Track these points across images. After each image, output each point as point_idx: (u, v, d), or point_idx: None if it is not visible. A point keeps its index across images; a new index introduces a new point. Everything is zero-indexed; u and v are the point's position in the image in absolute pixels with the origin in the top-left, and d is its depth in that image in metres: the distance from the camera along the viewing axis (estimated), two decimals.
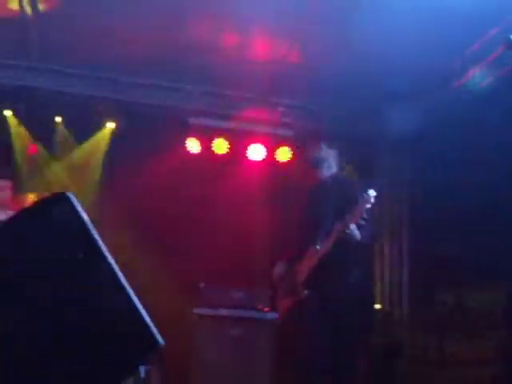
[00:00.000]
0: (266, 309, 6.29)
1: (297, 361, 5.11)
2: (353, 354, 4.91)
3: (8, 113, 7.21)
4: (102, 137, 7.40)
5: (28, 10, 5.86)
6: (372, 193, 4.62)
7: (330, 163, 5.04)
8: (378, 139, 7.81)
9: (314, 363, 4.76)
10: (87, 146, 7.45)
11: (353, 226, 4.63)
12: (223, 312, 6.37)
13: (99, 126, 7.35)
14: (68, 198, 1.93)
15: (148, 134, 7.05)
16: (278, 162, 7.72)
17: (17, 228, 1.99)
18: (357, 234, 4.68)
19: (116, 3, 5.56)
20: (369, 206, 4.62)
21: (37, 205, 1.98)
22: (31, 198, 5.83)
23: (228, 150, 7.68)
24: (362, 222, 4.66)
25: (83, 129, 7.26)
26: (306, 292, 4.83)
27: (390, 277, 7.93)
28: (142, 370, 3.84)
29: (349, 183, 5.14)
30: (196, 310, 6.39)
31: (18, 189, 6.18)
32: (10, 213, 5.23)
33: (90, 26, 5.96)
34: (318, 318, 4.79)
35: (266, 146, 7.69)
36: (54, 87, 7.14)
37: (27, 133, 7.17)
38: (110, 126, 7.42)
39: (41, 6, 5.84)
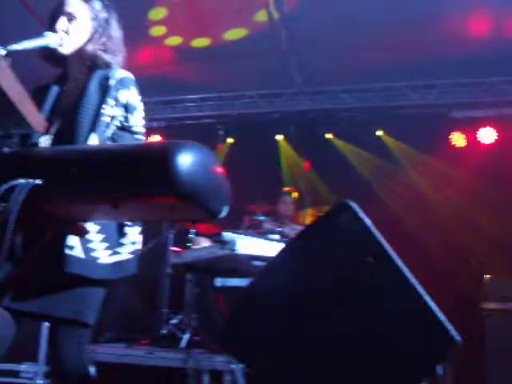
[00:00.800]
0: None
1: None
2: None
3: (279, 137, 7.90)
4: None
5: (275, 15, 5.99)
6: None
7: None
8: None
9: None
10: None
11: None
12: None
13: (370, 135, 7.53)
14: (350, 206, 2.00)
15: (413, 133, 7.02)
16: None
17: (309, 239, 2.10)
18: None
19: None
20: None
21: (323, 216, 2.08)
22: (311, 212, 6.12)
23: (496, 139, 7.22)
24: None
25: (356, 141, 7.52)
26: None
27: None
28: (439, 368, 3.76)
29: None
30: (483, 304, 6.04)
31: (300, 204, 6.55)
32: (296, 226, 5.56)
33: (343, 40, 6.08)
34: None
35: None
36: (320, 107, 7.54)
37: (299, 152, 7.66)
38: (379, 133, 7.60)
39: (286, 8, 5.91)
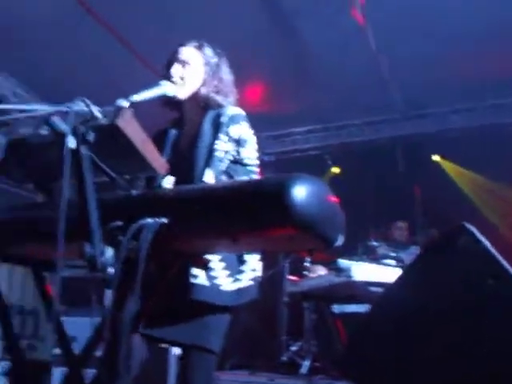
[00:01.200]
0: None
1: None
2: None
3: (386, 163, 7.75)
4: None
5: None
6: None
7: None
8: None
9: None
10: None
11: None
12: None
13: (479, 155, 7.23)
14: (468, 229, 1.92)
15: None
16: None
17: (426, 263, 2.04)
18: None
19: None
20: None
21: (440, 239, 2.02)
22: (429, 234, 5.88)
23: None
24: None
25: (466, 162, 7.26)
26: None
27: None
28: None
29: None
30: None
31: (414, 228, 6.36)
32: (412, 250, 5.40)
33: (443, 56, 5.88)
34: None
35: None
36: (426, 130, 7.37)
37: (408, 177, 7.48)
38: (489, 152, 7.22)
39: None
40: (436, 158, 7.55)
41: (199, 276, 2.07)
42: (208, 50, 2.43)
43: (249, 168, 2.30)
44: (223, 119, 2.29)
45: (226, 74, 2.44)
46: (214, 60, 2.42)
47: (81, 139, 1.53)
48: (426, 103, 7.09)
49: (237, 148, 2.28)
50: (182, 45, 2.42)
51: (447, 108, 7.20)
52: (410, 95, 6.85)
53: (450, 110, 7.21)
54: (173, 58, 2.39)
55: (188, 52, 2.40)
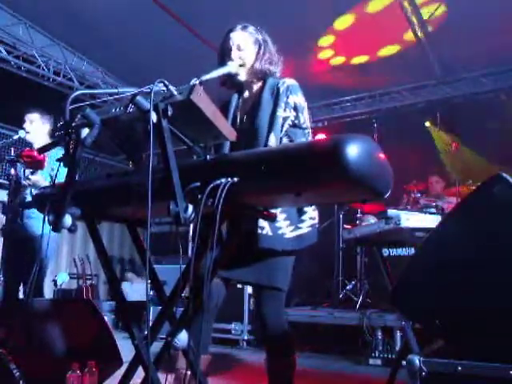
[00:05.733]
0: None
1: None
2: None
3: (427, 123, 7.53)
4: None
5: (420, 34, 5.93)
6: None
7: None
8: None
9: None
10: None
11: None
12: None
13: None
14: (503, 177, 1.83)
15: None
16: None
17: (465, 211, 1.96)
18: None
19: None
20: None
21: (477, 188, 1.93)
22: (461, 188, 5.68)
23: None
24: None
25: None
26: None
27: None
28: None
29: None
30: None
31: (448, 182, 6.17)
32: (450, 199, 5.21)
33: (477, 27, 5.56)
34: None
35: None
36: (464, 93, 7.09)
37: (446, 135, 7.20)
38: None
39: (430, 28, 5.84)
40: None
41: (265, 227, 2.09)
42: (251, 29, 2.36)
43: (306, 131, 2.27)
44: (282, 90, 2.25)
45: (272, 46, 2.38)
46: (260, 36, 2.36)
47: (161, 114, 1.53)
48: (461, 68, 6.75)
49: (294, 114, 2.24)
50: (231, 31, 2.35)
51: (478, 73, 6.87)
52: (446, 62, 6.55)
53: (480, 74, 6.87)
54: (226, 45, 2.33)
55: (238, 36, 2.32)
